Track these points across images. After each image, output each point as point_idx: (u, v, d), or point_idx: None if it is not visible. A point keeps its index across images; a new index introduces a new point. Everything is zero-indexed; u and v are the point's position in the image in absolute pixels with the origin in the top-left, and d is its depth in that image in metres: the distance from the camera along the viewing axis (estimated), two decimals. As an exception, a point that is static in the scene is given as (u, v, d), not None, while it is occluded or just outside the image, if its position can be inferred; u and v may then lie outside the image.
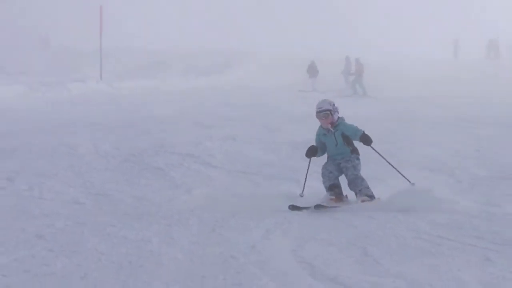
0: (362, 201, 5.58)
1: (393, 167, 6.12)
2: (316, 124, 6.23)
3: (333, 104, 5.98)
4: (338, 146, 5.93)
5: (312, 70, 27.18)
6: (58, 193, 6.61)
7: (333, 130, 5.90)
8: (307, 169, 6.23)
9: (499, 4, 62.68)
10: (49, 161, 8.51)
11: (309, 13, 62.16)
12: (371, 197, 5.59)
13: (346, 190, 5.96)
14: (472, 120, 13.63)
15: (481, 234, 4.56)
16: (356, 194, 5.72)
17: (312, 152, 6.05)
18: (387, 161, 6.14)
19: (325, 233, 4.65)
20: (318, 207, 5.37)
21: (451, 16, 61.33)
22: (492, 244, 4.25)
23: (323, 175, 5.94)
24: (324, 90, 23.41)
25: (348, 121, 6.13)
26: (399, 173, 6.05)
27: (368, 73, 24.97)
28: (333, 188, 5.84)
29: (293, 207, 5.42)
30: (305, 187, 6.16)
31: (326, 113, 5.92)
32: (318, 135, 6.07)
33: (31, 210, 5.74)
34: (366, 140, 5.88)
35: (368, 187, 5.67)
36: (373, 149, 6.04)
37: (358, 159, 5.92)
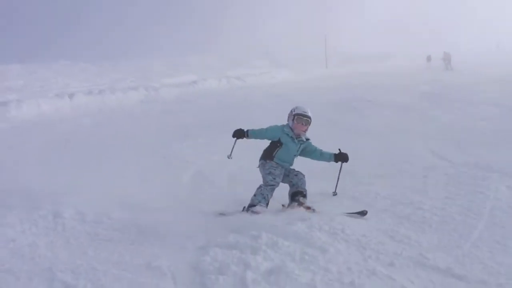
0: (304, 206, 5.35)
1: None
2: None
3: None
4: (294, 156, 5.64)
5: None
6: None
7: (304, 139, 5.61)
8: (234, 145, 6.10)
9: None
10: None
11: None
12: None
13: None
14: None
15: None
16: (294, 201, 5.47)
17: (240, 134, 5.79)
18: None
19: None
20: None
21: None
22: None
23: (272, 174, 5.37)
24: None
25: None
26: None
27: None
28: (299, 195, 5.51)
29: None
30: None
31: (309, 120, 5.57)
32: (282, 132, 5.51)
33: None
34: (344, 157, 5.77)
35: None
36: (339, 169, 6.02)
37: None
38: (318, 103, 15.02)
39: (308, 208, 5.29)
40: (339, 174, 5.98)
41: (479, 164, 7.42)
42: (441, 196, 5.94)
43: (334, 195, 6.01)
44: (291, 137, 5.44)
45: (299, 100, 17.77)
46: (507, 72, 25.66)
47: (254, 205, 5.17)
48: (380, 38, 68.05)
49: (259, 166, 5.64)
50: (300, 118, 5.42)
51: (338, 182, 6.11)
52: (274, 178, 5.32)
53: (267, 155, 5.53)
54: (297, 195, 5.44)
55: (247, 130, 5.74)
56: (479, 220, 5.05)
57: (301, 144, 5.56)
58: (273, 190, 5.34)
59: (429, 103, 15.79)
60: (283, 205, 5.58)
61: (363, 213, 5.12)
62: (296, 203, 5.36)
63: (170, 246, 4.55)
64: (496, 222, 4.97)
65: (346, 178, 6.50)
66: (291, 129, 5.49)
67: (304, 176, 5.69)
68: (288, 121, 5.59)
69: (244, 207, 5.33)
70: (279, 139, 5.45)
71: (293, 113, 5.50)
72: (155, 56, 51.96)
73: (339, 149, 5.76)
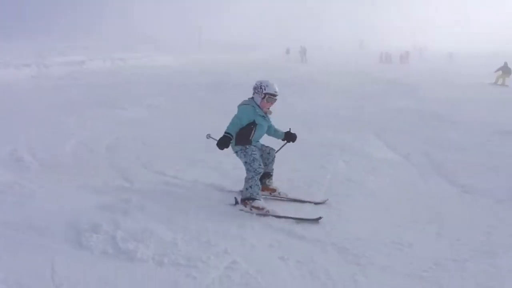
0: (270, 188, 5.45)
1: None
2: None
3: None
4: (265, 132, 5.36)
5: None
6: None
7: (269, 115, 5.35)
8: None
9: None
10: None
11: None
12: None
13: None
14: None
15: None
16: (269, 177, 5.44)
17: (227, 143, 4.92)
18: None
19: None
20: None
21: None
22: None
23: (257, 160, 5.00)
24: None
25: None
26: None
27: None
28: (266, 177, 5.38)
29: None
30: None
31: (277, 98, 5.29)
32: (255, 114, 5.07)
33: None
34: (293, 137, 5.61)
35: None
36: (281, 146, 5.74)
37: None
38: (191, 84, 16.64)
39: (274, 190, 5.44)
40: (278, 149, 5.72)
41: (323, 142, 8.40)
42: (291, 168, 6.59)
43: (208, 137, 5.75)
44: (262, 116, 5.15)
45: (175, 81, 18.44)
46: (359, 67, 28.37)
47: (254, 199, 4.97)
48: (252, 30, 70.28)
49: (237, 152, 5.13)
50: (270, 98, 5.13)
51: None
52: (260, 164, 5.01)
53: (244, 139, 5.06)
54: (264, 178, 5.30)
55: (228, 134, 4.97)
56: (320, 188, 5.83)
57: (268, 120, 5.35)
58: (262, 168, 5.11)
59: (284, 89, 16.82)
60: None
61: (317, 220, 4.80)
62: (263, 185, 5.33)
63: (49, 208, 4.80)
64: (333, 191, 5.74)
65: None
66: (259, 106, 5.17)
67: (274, 150, 5.53)
68: (254, 96, 5.21)
69: (235, 199, 5.15)
70: (254, 121, 5.06)
71: (264, 91, 5.09)
72: (49, 36, 51.29)
73: (290, 129, 5.62)
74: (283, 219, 4.70)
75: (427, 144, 8.59)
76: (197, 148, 7.34)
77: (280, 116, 11.01)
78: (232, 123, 4.99)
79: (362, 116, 11.78)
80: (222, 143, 4.86)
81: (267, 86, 5.09)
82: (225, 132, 4.91)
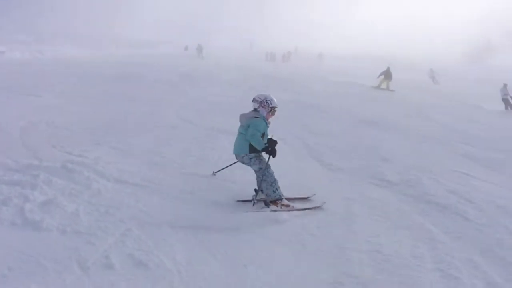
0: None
1: None
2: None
3: None
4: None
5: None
6: None
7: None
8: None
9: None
10: None
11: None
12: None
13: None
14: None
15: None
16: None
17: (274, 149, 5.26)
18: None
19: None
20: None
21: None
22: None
23: (270, 167, 5.30)
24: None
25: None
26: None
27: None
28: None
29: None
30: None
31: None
32: (265, 127, 5.39)
33: None
34: (272, 146, 5.38)
35: None
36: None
37: None
38: (102, 76, 17.16)
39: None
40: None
41: (212, 127, 9.01)
42: (181, 149, 7.07)
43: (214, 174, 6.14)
44: (267, 127, 5.47)
45: (87, 73, 18.51)
46: (247, 64, 29.41)
47: (281, 199, 5.27)
48: (157, 29, 69.26)
49: (251, 159, 5.34)
50: (274, 111, 5.47)
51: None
52: (273, 171, 5.35)
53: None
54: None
55: (265, 144, 5.29)
56: (209, 166, 6.38)
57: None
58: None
59: (183, 81, 17.74)
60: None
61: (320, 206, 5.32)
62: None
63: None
64: (219, 166, 6.24)
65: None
66: (265, 120, 5.46)
67: None
68: (260, 110, 5.42)
69: (265, 202, 5.27)
70: (264, 132, 5.37)
71: (270, 105, 5.40)
72: None
73: (272, 135, 5.56)
74: None
75: (302, 130, 9.57)
76: (104, 130, 7.88)
77: (175, 103, 11.65)
78: (255, 136, 5.19)
79: (247, 103, 12.44)
80: (273, 150, 5.16)
81: (271, 100, 5.42)
82: (265, 144, 5.20)
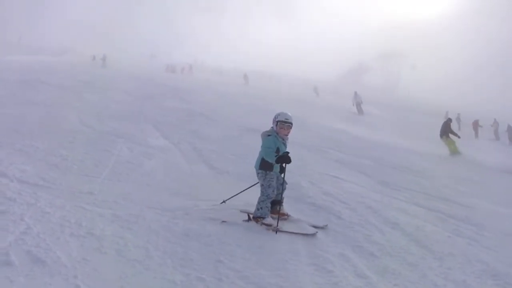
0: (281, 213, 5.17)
1: None
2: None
3: None
4: None
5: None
6: None
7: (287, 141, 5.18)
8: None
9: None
10: None
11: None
12: None
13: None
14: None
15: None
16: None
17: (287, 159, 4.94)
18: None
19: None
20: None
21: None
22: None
23: (272, 187, 4.98)
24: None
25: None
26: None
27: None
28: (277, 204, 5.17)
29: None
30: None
31: (290, 125, 5.09)
32: (277, 141, 4.99)
33: None
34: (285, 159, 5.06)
35: None
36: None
37: None
38: (5, 80, 15.82)
39: (284, 215, 5.22)
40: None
41: (111, 132, 8.81)
42: (82, 151, 6.94)
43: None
44: (282, 142, 5.06)
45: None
46: (147, 75, 28.73)
47: (264, 217, 4.97)
48: (65, 37, 64.21)
49: (258, 173, 5.08)
50: (282, 124, 5.03)
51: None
52: (273, 191, 5.02)
53: (267, 165, 5.00)
54: (275, 204, 5.15)
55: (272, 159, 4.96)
56: (105, 169, 6.29)
57: (286, 144, 5.18)
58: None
59: (84, 87, 16.87)
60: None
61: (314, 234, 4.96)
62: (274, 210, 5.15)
63: None
64: (115, 171, 6.28)
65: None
66: (277, 133, 5.08)
67: (286, 183, 5.33)
68: (273, 126, 5.11)
69: (248, 215, 5.09)
70: (278, 148, 4.99)
71: (276, 119, 5.07)
72: None
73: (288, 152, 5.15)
74: None
75: (192, 136, 9.69)
76: (7, 133, 7.55)
77: (75, 108, 11.08)
78: (264, 151, 4.97)
79: (144, 111, 12.43)
80: (283, 158, 4.90)
81: (278, 115, 5.11)
82: (275, 159, 4.92)
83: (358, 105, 22.45)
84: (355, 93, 22.86)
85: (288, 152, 4.96)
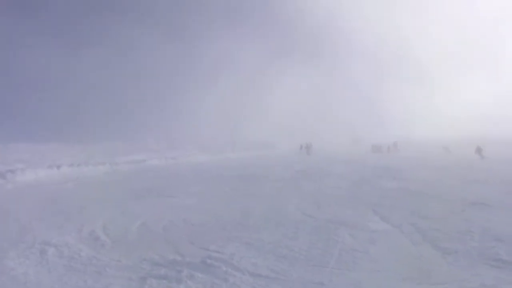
0: None
1: None
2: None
3: None
4: None
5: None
6: None
7: None
8: None
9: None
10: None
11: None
12: None
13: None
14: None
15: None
16: None
17: None
18: None
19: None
20: None
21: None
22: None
23: None
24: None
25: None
26: None
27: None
28: None
29: None
30: None
31: None
32: None
33: None
34: None
35: None
36: None
37: None
38: (227, 177, 18.12)
39: None
40: None
41: (331, 219, 8.94)
42: (308, 242, 7.20)
43: None
44: None
45: (213, 173, 20.09)
46: (352, 157, 29.44)
47: None
48: (270, 130, 76.62)
49: None
50: None
51: None
52: None
53: None
54: None
55: None
56: (331, 257, 6.39)
57: None
58: None
59: (300, 177, 18.16)
60: None
61: None
62: None
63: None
64: (342, 259, 6.30)
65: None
66: None
67: None
68: None
69: None
70: None
71: None
72: (117, 139, 58.81)
73: None
74: None
75: (412, 215, 9.09)
76: (233, 226, 8.26)
77: (294, 197, 11.51)
78: None
79: (359, 194, 12.30)
80: None
81: None
82: None
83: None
84: None
85: None
